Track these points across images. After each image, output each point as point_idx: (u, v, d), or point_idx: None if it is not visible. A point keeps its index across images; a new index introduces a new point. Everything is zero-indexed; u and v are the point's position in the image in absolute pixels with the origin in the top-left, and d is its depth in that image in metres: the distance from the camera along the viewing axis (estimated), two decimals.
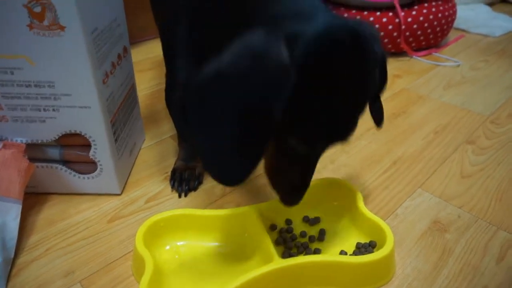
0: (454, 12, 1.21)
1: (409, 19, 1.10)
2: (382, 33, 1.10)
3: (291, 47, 0.34)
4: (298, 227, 0.55)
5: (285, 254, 0.50)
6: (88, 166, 0.59)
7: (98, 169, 0.58)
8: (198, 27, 0.51)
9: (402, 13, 1.09)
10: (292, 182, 0.43)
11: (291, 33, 0.35)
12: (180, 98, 0.59)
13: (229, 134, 0.35)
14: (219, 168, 0.38)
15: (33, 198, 0.60)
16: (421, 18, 1.11)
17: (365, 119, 0.81)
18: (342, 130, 0.39)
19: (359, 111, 0.39)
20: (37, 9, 0.46)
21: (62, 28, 0.47)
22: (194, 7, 0.52)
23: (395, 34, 1.10)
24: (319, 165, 0.44)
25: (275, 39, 0.34)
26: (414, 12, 1.11)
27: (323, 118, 0.37)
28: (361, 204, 0.54)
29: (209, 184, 0.65)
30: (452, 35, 1.34)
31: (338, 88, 0.36)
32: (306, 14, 0.37)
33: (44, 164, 0.58)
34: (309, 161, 0.43)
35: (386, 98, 0.93)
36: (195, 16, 0.52)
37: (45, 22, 0.47)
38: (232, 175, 0.38)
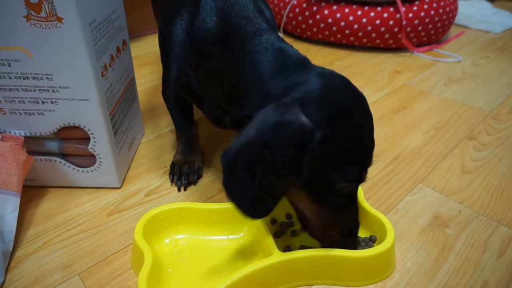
0: (455, 8, 1.20)
1: (410, 15, 1.09)
2: (383, 29, 1.10)
3: (304, 108, 0.39)
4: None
5: (286, 248, 0.50)
6: (87, 159, 0.59)
7: (97, 162, 0.58)
8: (195, 33, 0.52)
9: (403, 9, 1.09)
10: (346, 227, 0.46)
11: (300, 98, 0.41)
12: (174, 91, 0.59)
13: (256, 192, 0.41)
14: (246, 211, 0.42)
15: (32, 191, 0.60)
16: (422, 14, 1.10)
17: None
18: (371, 155, 0.44)
19: (373, 133, 0.45)
20: (34, 0, 0.46)
21: (60, 19, 0.47)
22: (191, 7, 0.52)
23: (396, 29, 1.10)
24: None
25: (290, 106, 0.39)
26: (415, 8, 1.10)
27: (357, 154, 0.42)
28: (362, 198, 0.54)
29: (208, 178, 0.64)
30: (453, 31, 1.34)
31: (356, 125, 0.42)
32: (298, 75, 0.43)
33: (42, 157, 0.58)
34: (354, 198, 0.46)
35: (386, 93, 0.93)
36: (192, 15, 0.52)
37: (42, 14, 0.46)
38: (255, 215, 0.43)
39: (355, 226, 0.47)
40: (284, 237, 0.53)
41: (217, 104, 0.53)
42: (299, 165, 0.40)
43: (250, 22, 0.49)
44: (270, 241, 0.47)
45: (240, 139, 0.40)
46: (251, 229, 0.52)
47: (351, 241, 0.47)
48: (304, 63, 0.45)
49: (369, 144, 0.43)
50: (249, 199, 0.42)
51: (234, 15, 0.49)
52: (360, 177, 0.43)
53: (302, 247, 0.51)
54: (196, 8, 0.52)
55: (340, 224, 0.46)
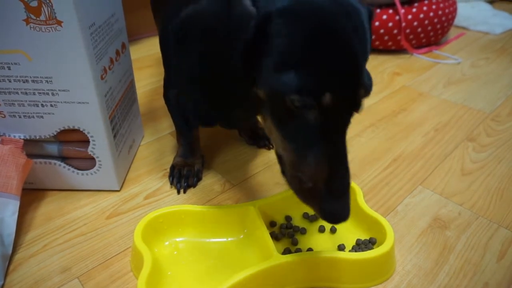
0: (455, 10, 1.21)
1: (410, 17, 1.10)
2: (382, 31, 1.10)
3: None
4: (298, 223, 0.55)
5: (285, 251, 0.50)
6: (87, 162, 0.59)
7: (97, 165, 0.58)
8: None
9: (403, 11, 1.09)
10: (323, 179, 0.35)
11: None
12: (175, 95, 0.59)
13: (201, 75, 0.38)
14: (193, 109, 0.40)
15: (31, 194, 0.60)
16: (421, 16, 1.11)
17: (365, 116, 0.81)
18: (348, 80, 0.34)
19: (358, 52, 0.34)
20: (34, 4, 0.46)
21: (59, 23, 0.47)
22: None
23: (395, 31, 1.10)
24: None
25: None
26: (414, 10, 1.10)
27: (311, 59, 0.33)
28: (361, 201, 0.54)
29: (208, 180, 0.64)
30: (452, 32, 1.34)
31: (315, 24, 0.33)
32: None
33: (42, 160, 0.58)
34: (330, 138, 0.35)
35: (386, 95, 0.93)
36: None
37: (42, 17, 0.46)
38: (202, 118, 0.39)
39: (341, 180, 0.35)
40: (284, 239, 0.53)
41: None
42: (238, 55, 0.35)
43: None
44: (269, 243, 0.47)
45: (192, 7, 0.38)
46: (250, 232, 0.52)
47: (333, 206, 0.35)
48: None
49: (340, 57, 0.33)
50: (195, 87, 0.38)
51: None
52: (317, 96, 0.33)
53: (298, 250, 0.51)
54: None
55: (312, 168, 0.35)
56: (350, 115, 0.36)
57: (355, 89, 0.34)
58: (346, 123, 0.36)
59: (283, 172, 0.40)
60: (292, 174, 0.37)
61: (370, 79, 0.36)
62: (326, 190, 0.35)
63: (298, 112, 0.34)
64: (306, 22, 0.33)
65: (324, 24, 0.33)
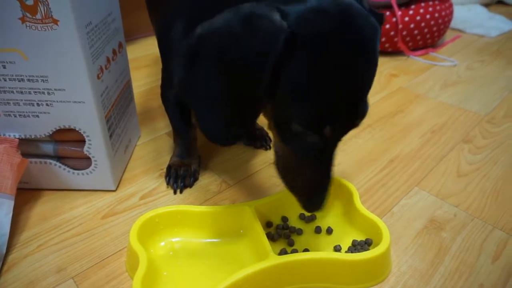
0: (451, 12, 1.21)
1: (406, 19, 1.10)
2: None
3: (284, 18, 0.34)
4: (294, 224, 0.55)
5: (281, 251, 0.50)
6: (83, 162, 0.58)
7: (93, 165, 0.58)
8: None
9: (400, 13, 1.09)
10: (310, 182, 0.41)
11: (284, 8, 0.34)
12: (175, 95, 0.59)
13: (219, 98, 0.36)
14: (210, 130, 0.38)
15: (26, 194, 0.59)
16: (418, 18, 1.11)
17: None
18: (349, 111, 0.36)
19: (365, 88, 0.37)
20: (29, 2, 0.45)
21: (56, 21, 0.47)
22: (191, 8, 0.51)
23: (392, 33, 1.10)
24: None
25: (267, 7, 0.34)
26: (411, 12, 1.11)
27: (322, 95, 0.35)
28: (357, 202, 0.54)
29: (204, 181, 0.64)
30: (448, 35, 1.35)
31: (334, 60, 0.34)
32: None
33: (37, 160, 0.57)
34: (322, 155, 0.39)
35: (383, 97, 0.93)
36: (192, 16, 0.51)
37: (38, 16, 0.46)
38: (221, 138, 0.39)
39: (322, 186, 0.41)
40: (280, 240, 0.53)
41: None
42: (261, 71, 0.34)
43: None
44: (265, 244, 0.47)
45: (207, 24, 0.35)
46: (247, 232, 0.52)
47: (312, 202, 0.41)
48: None
49: (349, 94, 0.35)
50: (212, 108, 0.36)
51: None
52: (318, 129, 0.36)
53: (295, 250, 0.51)
54: (199, 6, 0.51)
55: (305, 176, 0.40)
56: (344, 135, 0.40)
57: (354, 119, 0.38)
58: (339, 140, 0.40)
59: (277, 164, 0.44)
60: (285, 172, 0.42)
61: (367, 104, 0.38)
62: (311, 190, 0.41)
63: (299, 134, 0.37)
64: (326, 57, 0.34)
65: (342, 62, 0.34)
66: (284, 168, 0.43)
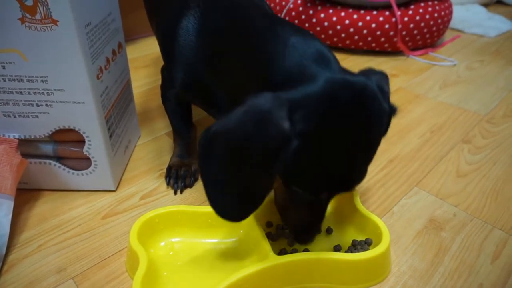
0: (450, 12, 1.21)
1: (406, 19, 1.10)
2: (379, 32, 1.10)
3: (293, 112, 0.37)
4: None
5: (281, 251, 0.50)
6: (82, 162, 0.58)
7: (93, 165, 0.58)
8: (207, 29, 0.51)
9: (399, 13, 1.09)
10: (303, 223, 0.46)
11: (294, 99, 0.37)
12: (175, 95, 0.59)
13: (231, 184, 0.40)
14: (221, 209, 0.42)
15: (26, 194, 0.59)
16: (417, 18, 1.11)
17: None
18: (346, 182, 0.41)
19: (362, 165, 0.41)
20: (29, 2, 0.45)
21: (55, 22, 0.47)
22: (203, 10, 0.52)
23: (391, 33, 1.10)
24: None
25: (279, 106, 0.37)
26: (410, 12, 1.11)
27: (323, 173, 0.39)
28: (357, 201, 0.54)
29: None
30: (448, 35, 1.35)
31: (337, 146, 0.38)
32: (311, 74, 0.39)
33: (37, 160, 0.57)
34: (317, 206, 0.44)
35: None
36: (197, 15, 0.52)
37: (37, 16, 0.46)
38: (232, 216, 0.42)
39: (314, 227, 0.46)
40: (280, 240, 0.53)
41: (232, 102, 0.51)
42: (271, 164, 0.38)
43: (261, 16, 0.48)
44: (265, 244, 0.47)
45: (222, 122, 0.38)
46: (247, 232, 0.52)
47: (304, 237, 0.47)
48: (323, 58, 0.41)
49: (348, 173, 0.40)
50: (225, 192, 0.40)
51: (243, 11, 0.49)
52: (316, 195, 0.42)
53: (295, 250, 0.51)
54: (203, 9, 0.52)
55: (299, 218, 0.46)
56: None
57: (350, 187, 0.41)
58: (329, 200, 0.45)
59: (276, 201, 0.48)
60: (282, 208, 0.47)
61: (366, 172, 0.42)
62: (303, 227, 0.46)
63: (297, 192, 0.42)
64: (330, 145, 0.37)
65: (344, 148, 0.38)
66: (281, 206, 0.47)
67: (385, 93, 0.42)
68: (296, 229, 0.47)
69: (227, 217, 0.42)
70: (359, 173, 0.41)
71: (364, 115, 0.38)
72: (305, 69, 0.40)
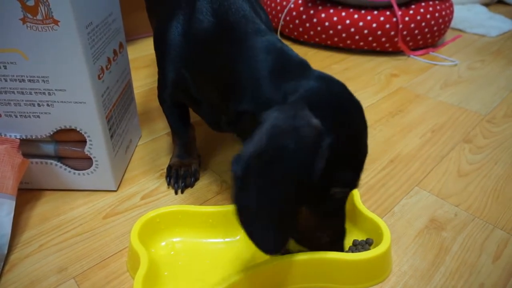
0: (451, 12, 1.21)
1: (407, 18, 1.10)
2: (379, 32, 1.10)
3: (313, 110, 0.38)
4: None
5: (283, 251, 0.50)
6: (84, 162, 0.58)
7: (94, 165, 0.58)
8: (192, 35, 0.52)
9: (400, 12, 1.09)
10: (334, 233, 0.47)
11: (308, 98, 0.40)
12: (170, 95, 0.59)
13: (272, 208, 0.38)
14: (263, 242, 0.39)
15: (27, 194, 0.59)
16: (418, 18, 1.11)
17: None
18: (364, 161, 0.44)
19: (367, 140, 0.44)
20: (30, 3, 0.45)
21: (56, 22, 0.47)
22: (187, 11, 0.52)
23: (392, 33, 1.10)
24: None
25: (301, 108, 0.38)
26: (411, 11, 1.11)
27: (355, 160, 0.42)
28: (358, 201, 0.54)
29: (205, 181, 0.64)
30: (449, 35, 1.35)
31: (356, 129, 0.42)
32: (300, 76, 0.43)
33: (38, 160, 0.57)
34: (344, 205, 0.46)
35: (383, 96, 0.93)
36: (190, 22, 0.52)
37: (39, 16, 0.46)
38: (273, 246, 0.40)
39: (342, 232, 0.47)
40: None
41: (214, 105, 0.53)
42: (312, 170, 0.38)
43: (249, 22, 0.49)
44: None
45: (251, 146, 0.37)
46: None
47: (337, 246, 0.47)
48: (303, 65, 0.45)
49: (365, 150, 0.43)
50: (266, 219, 0.38)
51: (231, 15, 0.49)
52: (355, 183, 0.43)
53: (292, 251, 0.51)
54: (192, 10, 0.52)
55: (328, 229, 0.46)
56: None
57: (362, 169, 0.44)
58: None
59: (300, 239, 0.47)
60: (308, 237, 0.47)
61: None
62: (334, 241, 0.47)
63: (331, 195, 0.42)
64: (351, 133, 0.41)
65: (359, 131, 0.42)
66: (307, 237, 0.47)
67: None
68: (327, 245, 0.46)
69: (271, 250, 0.40)
70: (367, 150, 0.44)
71: (355, 100, 0.43)
72: (295, 74, 0.44)
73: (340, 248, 0.47)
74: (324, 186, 0.41)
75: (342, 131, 0.40)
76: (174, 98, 0.60)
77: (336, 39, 1.14)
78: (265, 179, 0.37)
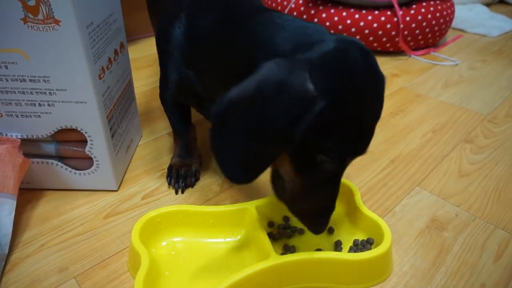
0: (452, 12, 1.21)
1: (408, 18, 1.10)
2: (380, 32, 1.10)
3: (314, 72, 0.36)
4: (296, 224, 0.55)
5: (283, 251, 0.50)
6: (84, 162, 0.59)
7: (94, 165, 0.58)
8: (195, 32, 0.51)
9: (401, 12, 1.09)
10: (319, 206, 0.44)
11: (313, 59, 0.37)
12: (171, 95, 0.59)
13: (246, 151, 0.38)
14: (231, 172, 0.41)
15: (28, 194, 0.59)
16: (419, 17, 1.11)
17: None
18: (365, 142, 0.41)
19: (376, 121, 0.41)
20: (31, 3, 0.45)
21: (57, 22, 0.47)
22: (193, 13, 0.52)
23: (393, 33, 1.10)
24: None
25: (299, 68, 0.36)
26: (412, 11, 1.11)
27: (349, 133, 0.39)
28: (359, 201, 0.54)
29: (206, 180, 0.64)
30: (450, 34, 1.35)
31: (360, 103, 0.38)
32: (318, 38, 0.40)
33: (39, 160, 0.57)
34: (335, 180, 0.43)
35: (384, 96, 0.93)
36: (192, 20, 0.52)
37: (40, 16, 0.46)
38: (241, 180, 0.41)
39: (329, 208, 0.45)
40: (282, 240, 0.53)
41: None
42: (292, 130, 0.37)
43: (254, 8, 0.48)
44: (267, 244, 0.47)
45: (238, 89, 0.37)
46: (248, 232, 0.52)
47: (319, 223, 0.45)
48: (321, 29, 0.42)
49: (366, 130, 0.40)
50: (235, 158, 0.39)
51: (234, 8, 0.49)
52: (343, 159, 0.41)
53: (293, 249, 0.51)
54: (193, 8, 0.52)
55: (315, 201, 0.44)
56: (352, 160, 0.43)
57: (365, 148, 0.41)
58: (347, 166, 0.43)
59: (283, 195, 0.46)
60: (294, 200, 0.45)
61: (374, 129, 0.42)
62: (317, 214, 0.45)
63: (319, 163, 0.40)
64: (352, 103, 0.38)
65: (364, 104, 0.39)
66: (293, 198, 0.45)
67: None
68: (310, 217, 0.45)
69: (233, 179, 0.41)
70: (373, 130, 0.41)
71: (372, 70, 0.39)
72: (310, 35, 0.40)
73: (322, 224, 0.45)
74: (309, 151, 0.40)
75: (340, 101, 0.37)
76: (176, 98, 0.60)
77: None
78: (241, 121, 0.37)
